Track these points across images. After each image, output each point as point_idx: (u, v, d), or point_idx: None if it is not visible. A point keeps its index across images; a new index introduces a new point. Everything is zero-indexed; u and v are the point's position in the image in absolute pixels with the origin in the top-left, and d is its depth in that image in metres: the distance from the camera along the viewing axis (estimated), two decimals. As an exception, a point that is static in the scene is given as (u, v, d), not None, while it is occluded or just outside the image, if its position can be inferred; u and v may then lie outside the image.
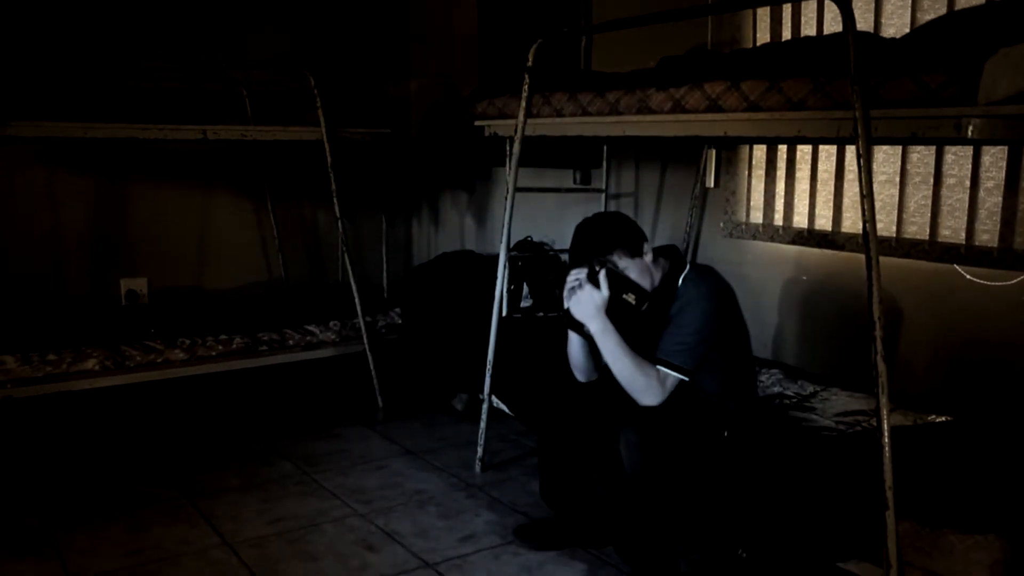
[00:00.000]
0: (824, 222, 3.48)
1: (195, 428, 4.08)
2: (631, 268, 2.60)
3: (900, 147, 3.18)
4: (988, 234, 2.97)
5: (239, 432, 4.02)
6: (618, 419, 2.53)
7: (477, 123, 3.77)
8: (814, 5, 3.40)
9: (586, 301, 2.55)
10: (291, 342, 4.43)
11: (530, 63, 3.21)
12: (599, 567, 2.78)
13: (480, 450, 3.60)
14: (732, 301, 2.69)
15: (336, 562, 2.80)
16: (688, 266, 2.69)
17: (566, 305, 2.62)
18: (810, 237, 3.50)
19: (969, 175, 2.99)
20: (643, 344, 2.60)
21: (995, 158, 2.93)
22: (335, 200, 4.24)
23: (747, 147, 3.75)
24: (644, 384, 2.52)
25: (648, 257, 2.64)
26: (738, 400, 2.68)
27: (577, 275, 2.58)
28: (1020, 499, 2.26)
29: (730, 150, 3.80)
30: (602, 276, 2.55)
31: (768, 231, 3.67)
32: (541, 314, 4.24)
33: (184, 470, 3.54)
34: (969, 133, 2.03)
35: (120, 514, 3.12)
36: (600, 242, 2.62)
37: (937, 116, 2.09)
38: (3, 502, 3.21)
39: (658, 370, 2.53)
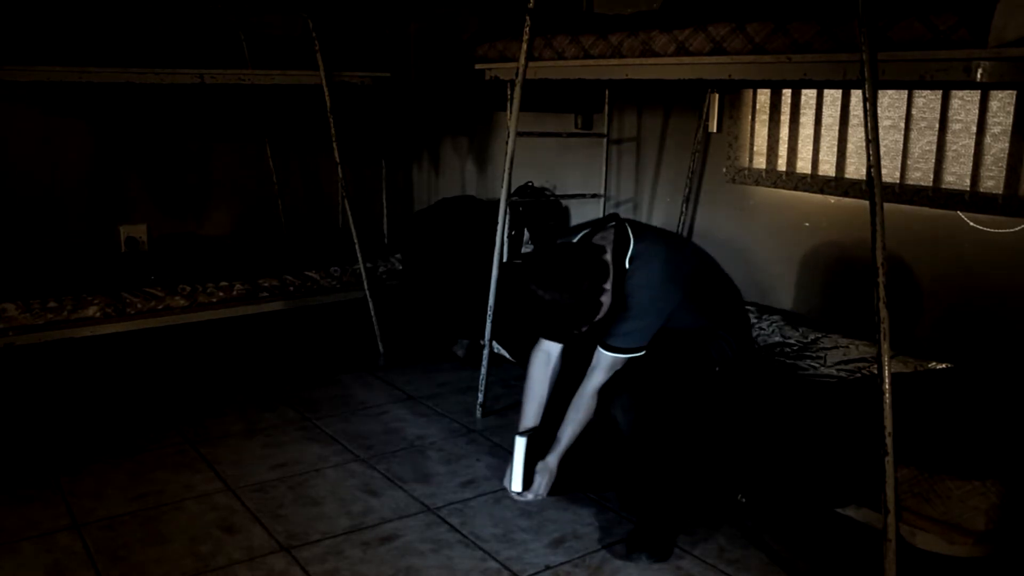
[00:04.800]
0: (828, 168, 3.45)
1: (197, 375, 4.09)
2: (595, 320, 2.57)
3: (906, 92, 3.14)
4: (993, 180, 2.94)
5: (240, 378, 4.03)
6: (611, 386, 2.56)
7: (477, 66, 3.72)
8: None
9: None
10: (291, 288, 4.43)
11: (531, 5, 3.15)
12: (600, 512, 2.81)
13: (481, 395, 3.61)
14: (686, 264, 2.68)
15: (338, 507, 2.82)
16: (632, 243, 2.58)
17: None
18: (813, 183, 3.47)
19: (976, 120, 2.96)
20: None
21: (1003, 103, 2.89)
22: (335, 145, 4.20)
23: (751, 92, 3.71)
24: (593, 401, 2.62)
25: (607, 296, 2.55)
26: (729, 327, 2.68)
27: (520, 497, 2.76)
28: (1018, 446, 2.28)
29: (733, 94, 3.75)
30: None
31: (771, 177, 3.64)
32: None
33: (186, 416, 3.55)
34: (979, 76, 2.00)
35: (124, 460, 3.14)
36: (566, 325, 2.56)
37: (946, 59, 2.05)
38: (7, 449, 3.23)
39: (605, 355, 2.56)
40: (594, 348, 2.61)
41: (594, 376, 2.61)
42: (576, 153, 4.50)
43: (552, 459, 2.71)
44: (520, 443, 2.71)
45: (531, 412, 2.81)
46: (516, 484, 2.74)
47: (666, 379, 2.55)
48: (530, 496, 2.73)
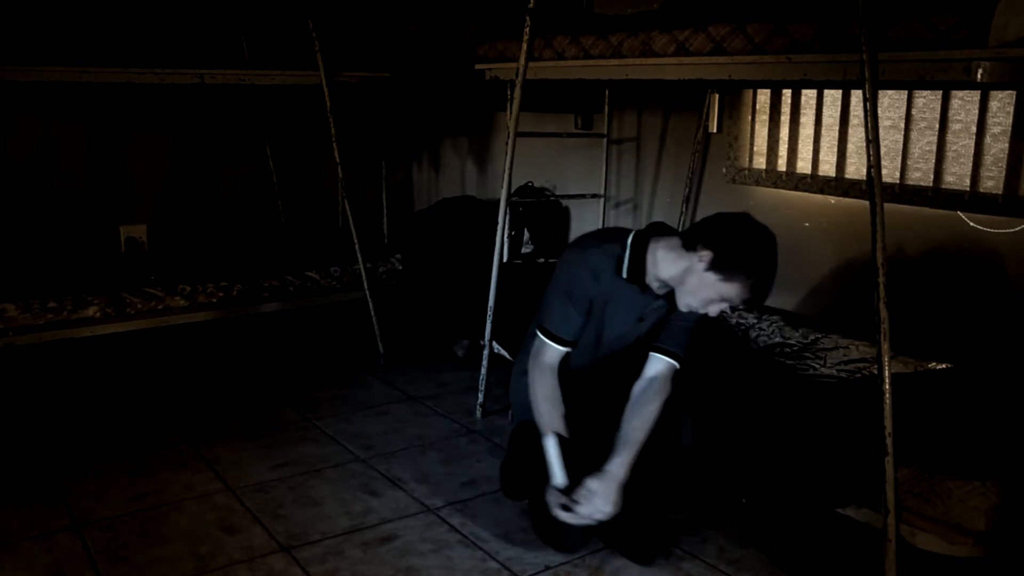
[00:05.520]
0: (828, 168, 3.45)
1: (197, 375, 4.09)
2: None
3: (905, 92, 3.14)
4: (993, 181, 2.94)
5: (241, 379, 4.03)
6: (675, 406, 2.51)
7: (477, 66, 3.72)
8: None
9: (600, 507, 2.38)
10: (291, 288, 4.42)
11: (531, 5, 3.15)
12: (599, 512, 2.80)
13: (481, 396, 3.61)
14: None
15: (338, 507, 2.82)
16: None
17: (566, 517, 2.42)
18: (813, 183, 3.47)
19: (976, 121, 2.96)
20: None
21: (1003, 103, 2.90)
22: (334, 145, 4.20)
23: (751, 92, 3.71)
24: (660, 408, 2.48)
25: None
26: None
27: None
28: (1018, 446, 2.27)
29: (733, 94, 3.75)
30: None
31: (771, 177, 3.64)
32: (542, 260, 4.23)
33: (187, 417, 3.55)
34: (979, 76, 2.01)
35: (124, 460, 3.14)
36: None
37: (946, 59, 2.06)
38: (7, 450, 3.22)
39: (672, 365, 2.50)
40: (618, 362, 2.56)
41: (664, 390, 2.48)
42: (576, 153, 4.50)
43: (617, 467, 2.37)
44: (551, 440, 2.42)
45: (554, 421, 2.48)
46: (559, 478, 2.40)
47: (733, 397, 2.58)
48: (600, 508, 2.36)
